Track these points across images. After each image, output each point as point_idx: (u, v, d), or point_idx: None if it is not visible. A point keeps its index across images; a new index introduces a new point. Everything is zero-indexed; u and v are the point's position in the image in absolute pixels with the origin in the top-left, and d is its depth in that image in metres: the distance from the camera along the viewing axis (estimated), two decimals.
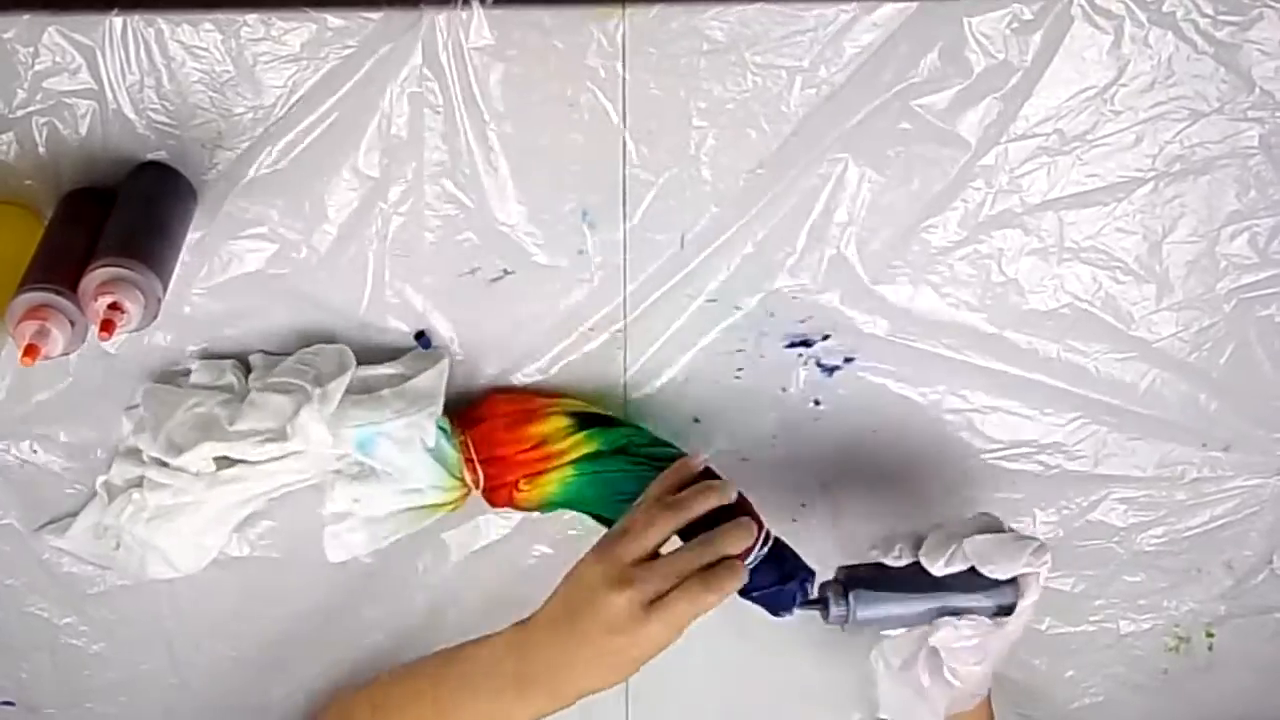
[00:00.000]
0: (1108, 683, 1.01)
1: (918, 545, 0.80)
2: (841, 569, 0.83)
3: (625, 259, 0.81)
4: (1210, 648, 0.99)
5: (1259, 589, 0.96)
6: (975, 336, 0.84)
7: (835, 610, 0.80)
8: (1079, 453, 0.90)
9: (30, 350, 0.66)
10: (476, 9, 0.70)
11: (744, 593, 0.78)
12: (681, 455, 0.82)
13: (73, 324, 0.67)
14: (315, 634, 0.96)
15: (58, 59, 0.71)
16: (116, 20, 0.70)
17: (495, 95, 0.74)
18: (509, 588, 0.92)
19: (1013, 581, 0.79)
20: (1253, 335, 0.84)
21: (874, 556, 0.82)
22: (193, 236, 0.77)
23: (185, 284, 0.79)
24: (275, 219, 0.78)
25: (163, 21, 0.70)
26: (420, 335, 0.83)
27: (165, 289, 0.69)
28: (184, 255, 0.75)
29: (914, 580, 0.80)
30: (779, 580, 0.78)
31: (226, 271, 0.80)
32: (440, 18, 0.70)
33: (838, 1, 0.71)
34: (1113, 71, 0.74)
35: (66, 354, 0.68)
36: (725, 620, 0.94)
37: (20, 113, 0.73)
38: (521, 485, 0.82)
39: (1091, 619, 0.98)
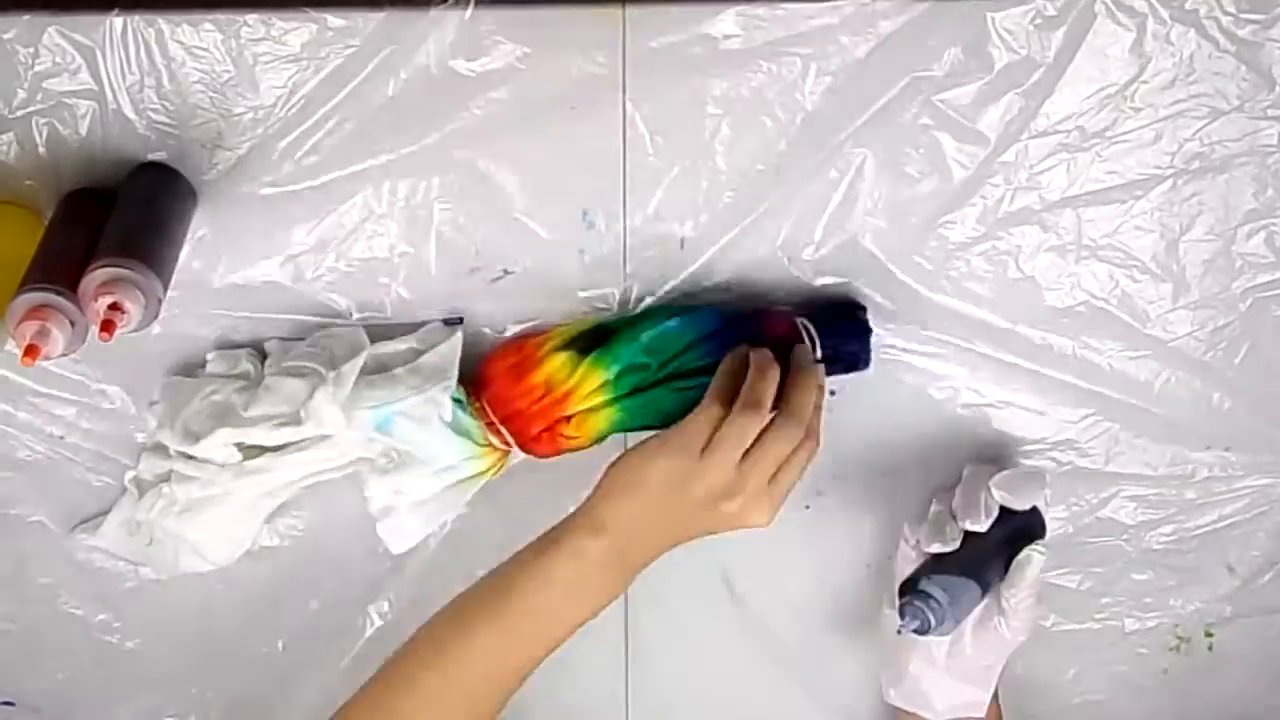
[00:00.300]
0: (1110, 681, 1.01)
1: (946, 519, 0.83)
2: (903, 585, 0.82)
3: (625, 257, 0.80)
4: (1210, 648, 0.99)
5: (1265, 589, 0.96)
6: (991, 332, 0.84)
7: (937, 626, 0.79)
8: (1090, 449, 0.89)
9: (30, 350, 0.65)
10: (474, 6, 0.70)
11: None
12: (679, 316, 0.80)
13: (73, 324, 0.67)
14: (346, 625, 0.96)
15: (58, 59, 0.70)
16: (116, 20, 0.69)
17: (497, 92, 0.73)
18: None
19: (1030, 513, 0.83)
20: (1267, 335, 0.84)
21: (920, 547, 0.84)
22: (201, 233, 0.77)
23: (203, 278, 0.80)
24: (284, 215, 0.78)
25: (163, 22, 0.70)
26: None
27: (165, 289, 0.69)
28: (193, 251, 0.75)
29: (966, 551, 0.82)
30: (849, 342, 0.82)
31: (237, 267, 0.80)
32: (440, 14, 0.70)
33: None
34: (1134, 68, 0.73)
35: (66, 354, 0.68)
36: (725, 620, 0.96)
37: (20, 113, 0.72)
38: (566, 432, 0.80)
39: (1097, 616, 0.98)
